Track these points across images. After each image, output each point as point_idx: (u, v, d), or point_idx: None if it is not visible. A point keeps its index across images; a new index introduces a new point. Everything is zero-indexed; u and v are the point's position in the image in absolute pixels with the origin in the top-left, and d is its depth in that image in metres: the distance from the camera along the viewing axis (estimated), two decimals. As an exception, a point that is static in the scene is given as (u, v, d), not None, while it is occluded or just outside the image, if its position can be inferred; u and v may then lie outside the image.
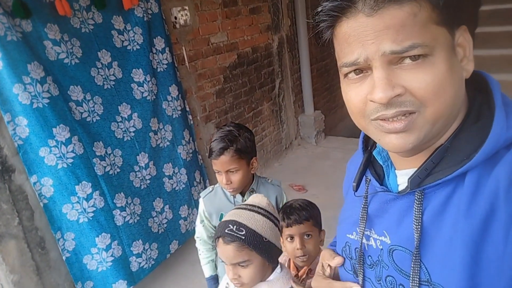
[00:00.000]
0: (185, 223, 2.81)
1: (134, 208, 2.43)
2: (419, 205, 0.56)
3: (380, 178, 0.67)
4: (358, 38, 0.50)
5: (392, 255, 0.60)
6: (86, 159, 2.15)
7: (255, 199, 1.17)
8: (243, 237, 1.02)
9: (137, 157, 2.47)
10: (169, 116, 2.68)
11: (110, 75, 2.30)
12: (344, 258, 0.73)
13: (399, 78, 0.50)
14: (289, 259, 1.36)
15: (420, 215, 0.56)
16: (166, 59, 2.60)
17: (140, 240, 2.44)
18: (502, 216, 0.48)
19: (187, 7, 2.88)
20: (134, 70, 2.41)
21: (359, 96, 0.54)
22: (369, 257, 0.65)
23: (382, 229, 0.63)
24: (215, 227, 1.49)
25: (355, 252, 0.68)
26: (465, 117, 0.56)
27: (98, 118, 2.25)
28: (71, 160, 2.08)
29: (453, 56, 0.52)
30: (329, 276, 0.73)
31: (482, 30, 3.84)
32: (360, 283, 0.67)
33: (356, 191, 0.68)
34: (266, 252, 1.04)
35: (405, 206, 0.59)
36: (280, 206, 1.47)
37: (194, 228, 1.61)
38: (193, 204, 2.86)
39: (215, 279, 1.58)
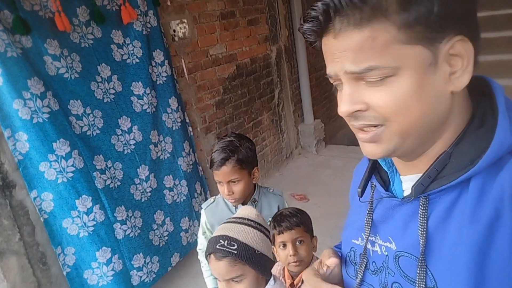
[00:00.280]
0: (186, 235, 2.79)
1: (134, 221, 2.42)
2: (424, 211, 0.56)
3: (386, 184, 0.67)
4: (330, 55, 0.55)
5: (398, 261, 0.60)
6: (86, 173, 2.15)
7: (244, 211, 1.14)
8: (235, 252, 0.99)
9: (138, 169, 2.47)
10: (169, 128, 2.68)
11: (110, 88, 2.31)
12: (341, 260, 0.73)
13: (363, 94, 0.53)
14: (284, 268, 1.35)
15: (425, 221, 0.56)
16: (165, 71, 2.62)
17: (141, 253, 2.42)
18: (507, 221, 0.48)
19: (185, 20, 2.91)
20: (133, 83, 2.43)
21: None
22: (373, 263, 0.65)
23: (387, 235, 0.63)
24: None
25: (360, 257, 0.68)
26: (469, 122, 0.56)
27: (98, 131, 2.25)
28: (71, 174, 2.07)
29: (430, 72, 0.51)
30: (323, 274, 0.72)
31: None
32: (355, 286, 0.67)
33: (361, 196, 0.68)
34: (259, 265, 1.02)
35: (410, 212, 0.59)
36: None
37: (195, 240, 1.60)
38: (194, 216, 2.85)
39: (218, 291, 1.56)
